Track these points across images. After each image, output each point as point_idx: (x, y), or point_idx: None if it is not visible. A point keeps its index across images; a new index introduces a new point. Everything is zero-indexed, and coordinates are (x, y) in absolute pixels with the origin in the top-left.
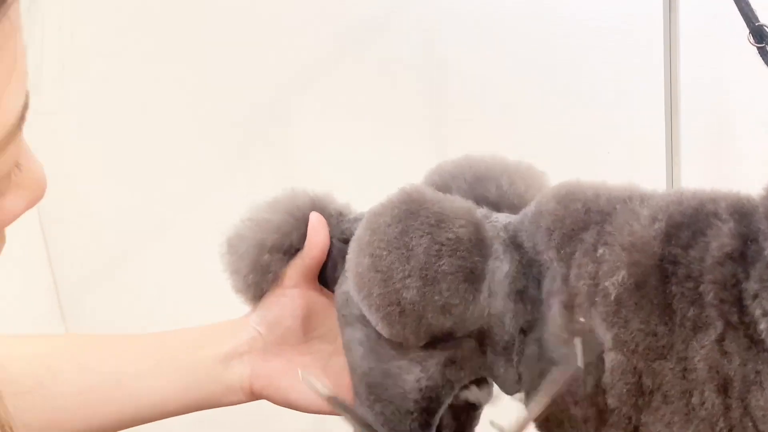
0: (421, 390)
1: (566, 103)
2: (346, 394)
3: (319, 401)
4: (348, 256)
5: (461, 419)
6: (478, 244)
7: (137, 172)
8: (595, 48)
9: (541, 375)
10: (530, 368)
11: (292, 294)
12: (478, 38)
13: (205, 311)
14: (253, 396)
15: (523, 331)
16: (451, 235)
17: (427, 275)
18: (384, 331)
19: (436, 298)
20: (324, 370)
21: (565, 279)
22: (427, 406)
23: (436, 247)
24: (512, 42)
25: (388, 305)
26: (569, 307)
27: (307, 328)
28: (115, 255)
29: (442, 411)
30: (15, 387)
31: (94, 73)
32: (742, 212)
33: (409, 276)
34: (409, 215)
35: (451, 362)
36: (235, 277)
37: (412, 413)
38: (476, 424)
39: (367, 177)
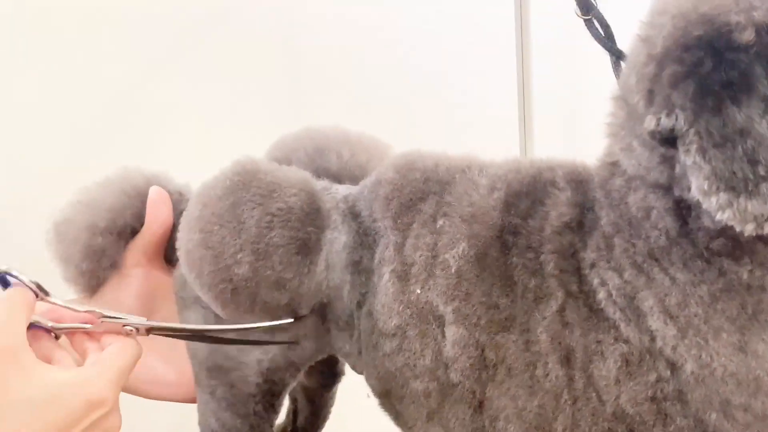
0: (262, 373)
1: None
2: (191, 384)
3: (161, 387)
4: (178, 234)
5: (315, 401)
6: (312, 214)
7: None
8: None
9: (375, 348)
10: (366, 343)
11: (133, 273)
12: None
13: None
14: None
15: (359, 305)
16: (282, 205)
17: (258, 249)
18: (218, 310)
19: (269, 272)
20: (167, 358)
21: (399, 248)
22: (270, 388)
23: (268, 218)
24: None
25: (220, 283)
26: (403, 277)
27: (150, 309)
28: None
29: (285, 393)
30: None
31: None
32: (578, 180)
33: (240, 251)
34: (242, 187)
35: (293, 343)
36: (66, 265)
37: (254, 396)
38: (331, 404)
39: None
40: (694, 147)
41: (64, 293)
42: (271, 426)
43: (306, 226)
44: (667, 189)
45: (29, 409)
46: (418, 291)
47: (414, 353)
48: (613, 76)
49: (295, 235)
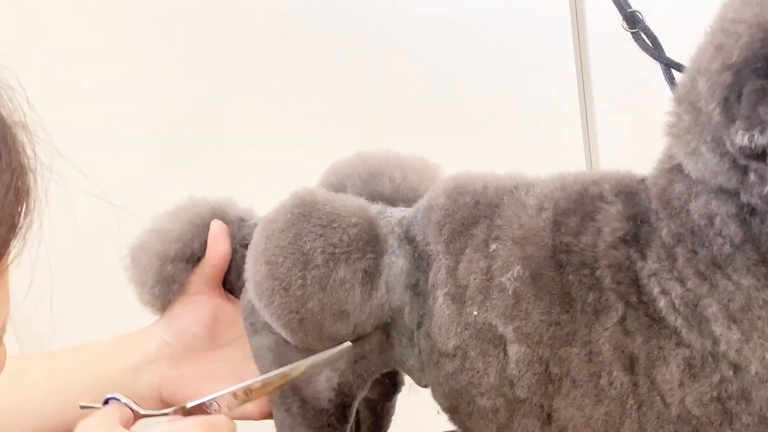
0: (333, 389)
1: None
2: (261, 402)
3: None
4: (246, 265)
5: (377, 411)
6: (371, 242)
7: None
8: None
9: (437, 367)
10: (427, 361)
11: (197, 301)
12: (411, 39)
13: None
14: (164, 404)
15: (419, 325)
16: (344, 236)
17: (324, 283)
18: (288, 337)
19: (334, 306)
20: (235, 377)
21: (451, 272)
22: (342, 401)
23: (330, 249)
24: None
25: (288, 314)
26: (458, 299)
27: (215, 336)
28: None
29: (356, 404)
30: None
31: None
32: (627, 192)
33: (307, 284)
34: (302, 218)
35: (360, 358)
36: (141, 289)
37: (327, 410)
38: (392, 414)
39: (301, 179)
40: None
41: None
42: None
43: (366, 254)
44: (731, 194)
45: None
46: (476, 312)
47: (477, 372)
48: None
49: (357, 266)
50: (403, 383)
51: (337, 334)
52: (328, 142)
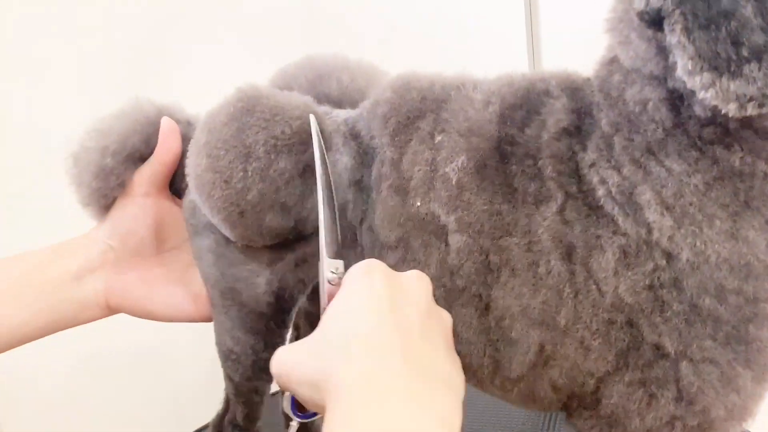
0: (273, 292)
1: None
2: (206, 305)
3: (176, 310)
4: (187, 160)
5: (315, 325)
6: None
7: None
8: None
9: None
10: (369, 257)
11: (143, 203)
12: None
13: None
14: (110, 311)
15: (361, 222)
16: (287, 129)
17: (264, 175)
18: (227, 232)
19: (274, 197)
20: (181, 282)
21: (396, 164)
22: (281, 306)
23: (272, 141)
24: None
25: (228, 206)
26: (401, 191)
27: (161, 239)
28: None
29: (296, 310)
30: None
31: None
32: (573, 87)
33: (247, 176)
34: (245, 112)
35: (302, 261)
36: (80, 188)
37: (266, 314)
38: None
39: None
40: (679, 27)
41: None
42: (284, 341)
43: (309, 148)
44: (661, 80)
45: None
46: (419, 203)
47: (419, 263)
48: None
49: (299, 158)
50: None
51: (278, 228)
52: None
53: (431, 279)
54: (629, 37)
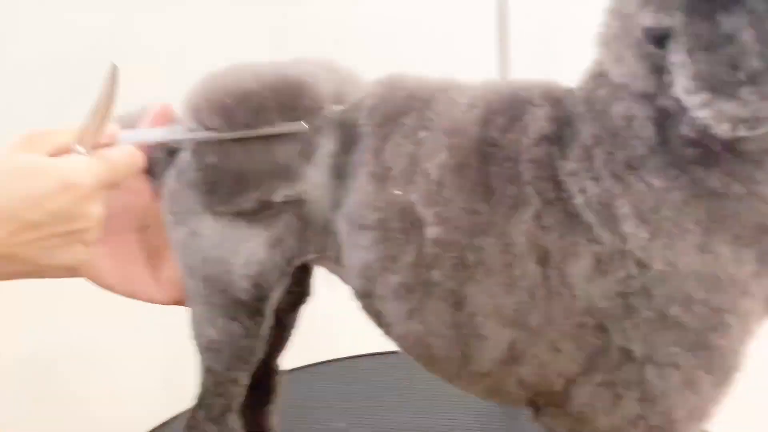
0: (250, 276)
1: None
2: (170, 290)
3: (138, 290)
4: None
5: (282, 321)
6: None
7: None
8: None
9: (355, 246)
10: (343, 243)
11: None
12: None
13: None
14: (74, 274)
15: (338, 206)
16: None
17: None
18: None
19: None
20: (149, 264)
21: (377, 153)
22: (259, 294)
23: None
24: None
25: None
26: (381, 178)
27: (134, 219)
28: None
29: (273, 298)
30: None
31: None
32: (555, 98)
33: None
34: None
35: (277, 241)
36: None
37: (244, 301)
38: (295, 326)
39: None
40: (684, 47)
41: None
42: (262, 330)
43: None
44: (651, 98)
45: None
46: (398, 192)
47: (398, 243)
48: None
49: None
50: (309, 293)
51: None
52: None
53: (408, 266)
54: (623, 54)
